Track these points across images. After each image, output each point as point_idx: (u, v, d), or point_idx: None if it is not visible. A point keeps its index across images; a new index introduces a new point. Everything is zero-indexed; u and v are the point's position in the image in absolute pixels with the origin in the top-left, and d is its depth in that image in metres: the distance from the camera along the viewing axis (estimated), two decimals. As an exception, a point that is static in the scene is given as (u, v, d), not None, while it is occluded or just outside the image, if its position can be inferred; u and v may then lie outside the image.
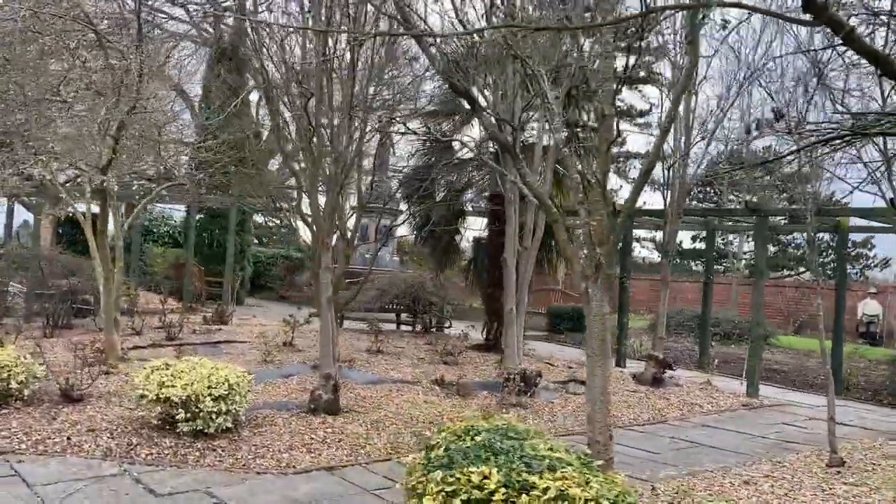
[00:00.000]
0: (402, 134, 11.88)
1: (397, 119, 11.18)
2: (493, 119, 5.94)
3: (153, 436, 7.91)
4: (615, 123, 5.90)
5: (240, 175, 20.44)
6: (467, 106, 12.88)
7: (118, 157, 10.32)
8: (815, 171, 8.79)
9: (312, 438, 8.30)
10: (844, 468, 7.92)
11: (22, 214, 27.22)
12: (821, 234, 38.98)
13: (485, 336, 14.66)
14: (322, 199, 9.71)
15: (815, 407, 12.43)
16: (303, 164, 9.44)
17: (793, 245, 43.06)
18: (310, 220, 9.53)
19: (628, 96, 36.50)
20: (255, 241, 33.03)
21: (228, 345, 13.34)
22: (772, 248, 44.25)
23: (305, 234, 10.92)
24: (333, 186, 9.32)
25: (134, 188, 18.24)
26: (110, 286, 11.37)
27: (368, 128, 9.92)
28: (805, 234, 37.76)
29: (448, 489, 4.30)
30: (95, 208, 13.03)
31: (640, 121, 37.87)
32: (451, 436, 5.22)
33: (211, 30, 26.55)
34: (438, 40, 7.05)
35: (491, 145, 14.41)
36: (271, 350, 12.30)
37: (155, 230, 28.46)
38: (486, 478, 4.25)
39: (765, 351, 19.41)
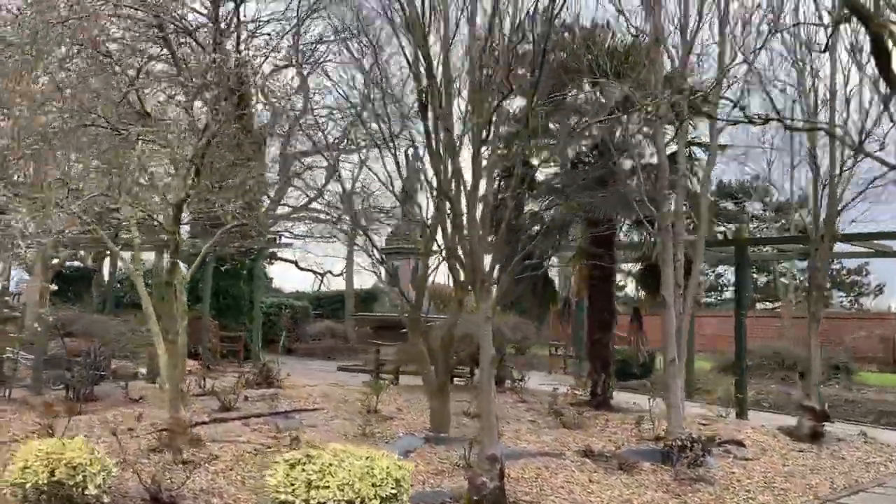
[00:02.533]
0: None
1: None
2: None
3: (298, 556, 5.81)
4: None
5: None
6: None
7: (196, 189, 8.26)
8: None
9: (505, 547, 6.26)
10: None
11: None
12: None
13: (591, 390, 12.68)
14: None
15: None
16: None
17: (787, 275, 41.99)
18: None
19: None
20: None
21: (301, 414, 11.16)
22: (762, 279, 43.29)
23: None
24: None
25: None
26: (175, 351, 9.21)
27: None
28: (792, 264, 37.21)
29: None
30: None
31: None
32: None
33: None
34: None
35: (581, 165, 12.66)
36: (369, 420, 10.20)
37: (150, 281, 25.94)
38: None
39: (854, 390, 17.85)
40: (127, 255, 11.86)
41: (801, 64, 11.18)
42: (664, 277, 9.18)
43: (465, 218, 7.31)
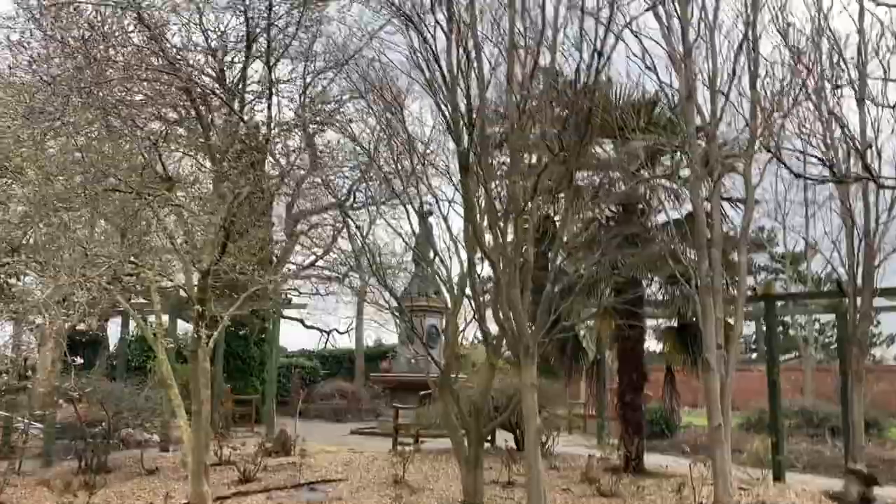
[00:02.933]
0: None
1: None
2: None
3: None
4: None
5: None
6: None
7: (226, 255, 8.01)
8: None
9: None
10: None
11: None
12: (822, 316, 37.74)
13: (624, 455, 12.21)
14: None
15: None
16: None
17: (795, 326, 41.44)
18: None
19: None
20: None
21: (326, 485, 10.71)
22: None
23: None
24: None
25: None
26: (199, 422, 8.83)
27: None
28: (809, 318, 36.76)
29: None
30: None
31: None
32: None
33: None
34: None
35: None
36: (399, 493, 9.76)
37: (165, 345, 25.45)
38: None
39: (889, 447, 17.29)
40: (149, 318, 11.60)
41: (827, 116, 11.05)
42: (706, 339, 8.82)
43: (507, 280, 7.03)
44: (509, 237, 7.66)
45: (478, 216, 7.34)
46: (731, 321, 10.29)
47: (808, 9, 10.11)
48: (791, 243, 30.82)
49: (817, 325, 41.28)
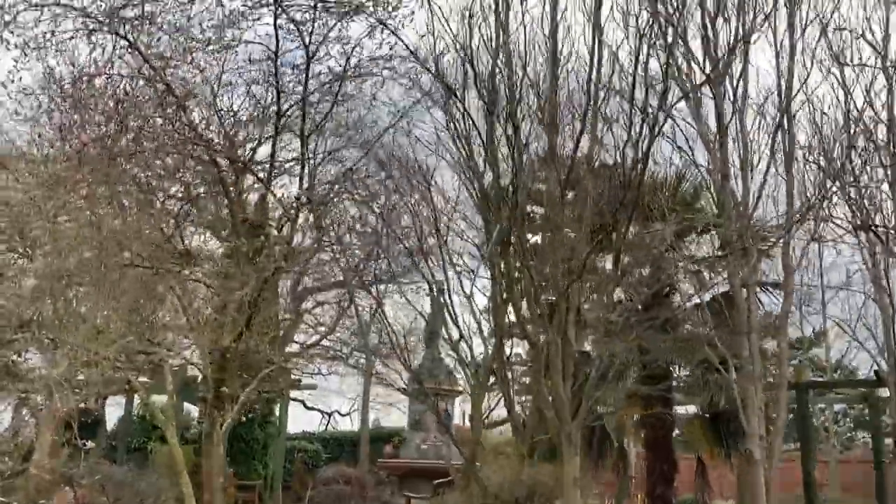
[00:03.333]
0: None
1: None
2: None
3: None
4: None
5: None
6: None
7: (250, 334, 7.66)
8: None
9: None
10: None
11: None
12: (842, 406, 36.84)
13: (657, 559, 11.53)
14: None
15: None
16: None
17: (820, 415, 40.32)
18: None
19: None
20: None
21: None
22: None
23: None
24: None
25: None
26: (211, 512, 8.30)
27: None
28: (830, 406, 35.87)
29: None
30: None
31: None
32: None
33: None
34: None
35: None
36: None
37: (159, 426, 24.61)
38: None
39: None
40: (159, 398, 11.21)
41: (858, 201, 10.87)
42: (749, 428, 8.37)
43: (548, 364, 6.67)
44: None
45: (517, 294, 7.04)
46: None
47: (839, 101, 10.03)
48: (807, 328, 30.16)
49: (829, 414, 40.30)
